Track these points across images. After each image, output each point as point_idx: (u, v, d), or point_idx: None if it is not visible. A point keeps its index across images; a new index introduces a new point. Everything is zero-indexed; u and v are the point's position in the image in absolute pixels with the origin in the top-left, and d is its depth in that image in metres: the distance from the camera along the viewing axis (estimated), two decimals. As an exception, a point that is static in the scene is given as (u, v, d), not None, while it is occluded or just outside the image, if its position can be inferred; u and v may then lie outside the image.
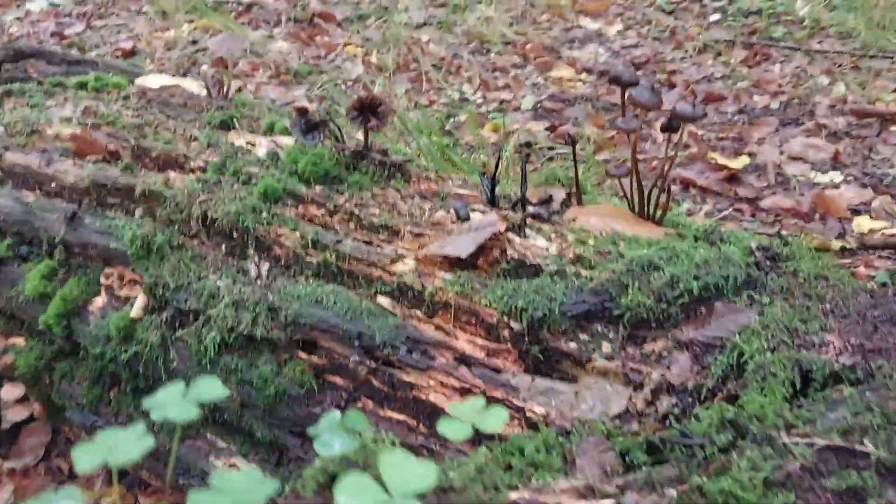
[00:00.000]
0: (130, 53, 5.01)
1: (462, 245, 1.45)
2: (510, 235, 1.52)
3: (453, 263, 1.44)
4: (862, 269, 2.56)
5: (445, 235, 1.52)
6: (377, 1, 6.01)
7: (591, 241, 1.49)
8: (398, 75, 4.68)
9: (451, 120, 4.08)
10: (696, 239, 1.53)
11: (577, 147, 1.63)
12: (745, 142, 3.85)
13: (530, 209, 1.65)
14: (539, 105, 4.28)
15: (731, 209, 3.12)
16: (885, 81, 4.46)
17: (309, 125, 1.87)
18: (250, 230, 1.68)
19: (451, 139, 3.76)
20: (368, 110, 1.82)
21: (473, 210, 1.63)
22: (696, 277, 1.33)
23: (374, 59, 4.86)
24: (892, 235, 2.88)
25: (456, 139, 3.79)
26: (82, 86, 2.28)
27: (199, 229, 1.73)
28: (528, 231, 1.53)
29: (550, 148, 3.72)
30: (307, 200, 1.73)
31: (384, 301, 1.50)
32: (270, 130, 2.10)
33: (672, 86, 4.55)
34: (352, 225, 1.66)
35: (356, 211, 1.67)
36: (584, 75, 4.83)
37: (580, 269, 1.39)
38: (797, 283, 1.36)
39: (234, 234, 1.71)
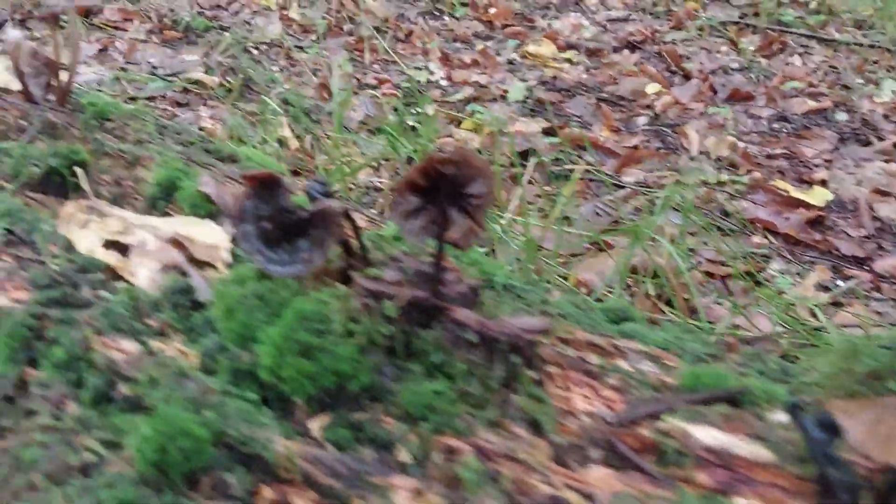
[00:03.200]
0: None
1: None
2: None
3: None
4: None
5: None
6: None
7: None
8: (330, 40, 3.46)
9: (414, 112, 2.92)
10: None
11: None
12: (800, 160, 2.92)
13: None
14: (529, 95, 3.17)
15: (849, 281, 2.16)
16: (931, 86, 3.64)
17: (284, 226, 0.71)
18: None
19: (418, 145, 2.61)
20: (447, 195, 0.70)
21: None
22: None
23: (295, 14, 3.60)
24: None
25: (423, 143, 2.64)
26: None
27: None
28: None
29: (556, 160, 2.65)
30: None
31: None
32: (165, 197, 0.92)
33: (687, 76, 3.56)
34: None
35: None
36: (570, 54, 3.77)
37: None
38: None
39: None
